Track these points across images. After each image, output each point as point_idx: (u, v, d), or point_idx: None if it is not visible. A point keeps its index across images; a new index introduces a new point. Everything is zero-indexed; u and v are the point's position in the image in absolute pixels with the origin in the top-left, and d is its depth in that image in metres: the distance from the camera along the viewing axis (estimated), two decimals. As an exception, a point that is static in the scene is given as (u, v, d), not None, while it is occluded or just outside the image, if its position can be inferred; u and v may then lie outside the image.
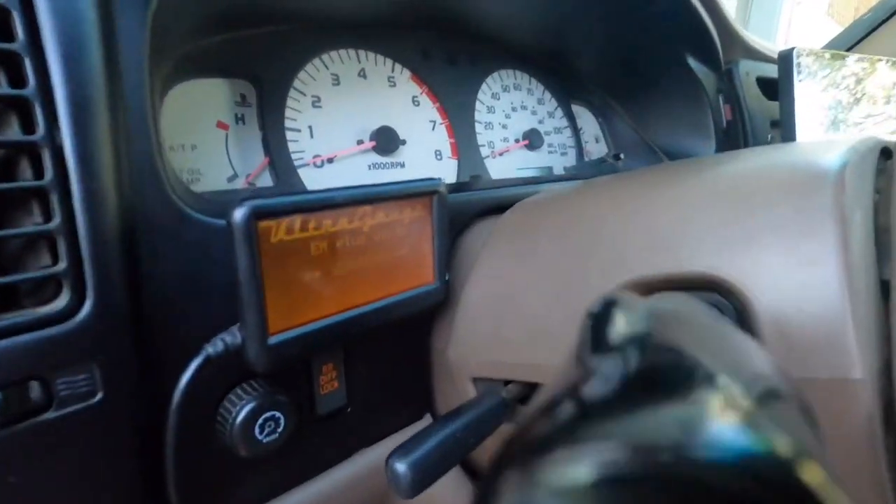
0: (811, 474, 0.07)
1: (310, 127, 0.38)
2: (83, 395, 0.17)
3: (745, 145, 0.61)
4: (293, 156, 0.37)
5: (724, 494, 0.07)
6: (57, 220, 0.17)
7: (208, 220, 0.22)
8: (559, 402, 0.08)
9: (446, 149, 0.47)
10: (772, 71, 0.59)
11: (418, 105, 0.46)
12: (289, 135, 0.37)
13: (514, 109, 0.55)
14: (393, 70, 0.45)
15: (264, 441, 0.23)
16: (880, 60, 0.63)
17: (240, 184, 0.35)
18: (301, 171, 0.37)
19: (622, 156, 0.53)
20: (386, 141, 0.42)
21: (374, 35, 0.44)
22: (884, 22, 0.64)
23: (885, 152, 0.21)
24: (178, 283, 0.21)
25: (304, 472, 0.27)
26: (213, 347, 0.21)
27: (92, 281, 0.17)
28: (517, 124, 0.54)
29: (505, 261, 0.27)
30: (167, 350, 0.20)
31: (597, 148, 0.63)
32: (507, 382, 0.28)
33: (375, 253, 0.25)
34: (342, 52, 0.41)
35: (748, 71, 0.62)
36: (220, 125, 0.35)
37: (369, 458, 0.31)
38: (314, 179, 0.38)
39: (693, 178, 0.22)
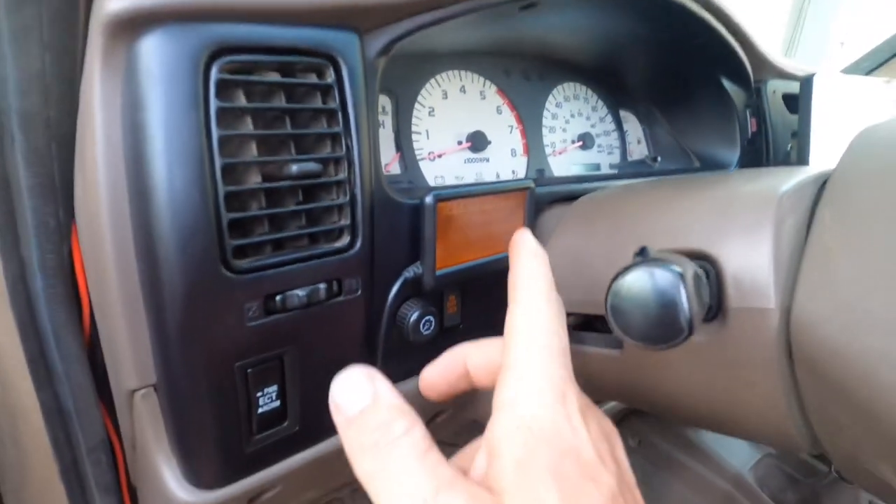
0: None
1: (426, 130, 0.52)
2: (354, 290, 0.32)
3: (767, 153, 0.72)
4: (416, 151, 0.51)
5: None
6: (346, 198, 0.31)
7: (400, 201, 0.36)
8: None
9: (519, 148, 0.61)
10: (798, 88, 0.69)
11: (501, 113, 0.59)
12: (413, 136, 0.51)
13: (572, 116, 0.67)
14: (483, 86, 0.58)
15: (424, 333, 0.38)
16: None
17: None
18: (420, 163, 0.51)
19: (659, 158, 0.65)
20: (478, 141, 0.55)
21: (472, 59, 0.57)
22: (903, 50, 0.73)
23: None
24: (386, 236, 0.35)
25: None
26: (408, 274, 0.35)
27: (360, 232, 0.32)
28: (574, 128, 0.67)
29: (572, 237, 0.41)
30: (384, 274, 0.35)
31: (639, 149, 0.75)
32: (568, 314, 0.42)
33: (491, 225, 0.39)
34: (450, 73, 0.55)
35: (775, 89, 0.72)
36: (370, 129, 0.49)
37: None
38: (429, 169, 0.52)
39: (699, 192, 0.35)
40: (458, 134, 0.55)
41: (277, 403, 0.30)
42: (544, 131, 0.63)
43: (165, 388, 0.28)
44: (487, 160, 0.57)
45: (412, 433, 0.18)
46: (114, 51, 0.24)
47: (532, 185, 0.41)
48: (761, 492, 0.80)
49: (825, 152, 0.68)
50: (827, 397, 0.28)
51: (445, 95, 0.54)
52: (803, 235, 0.30)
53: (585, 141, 0.67)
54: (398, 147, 0.50)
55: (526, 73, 0.62)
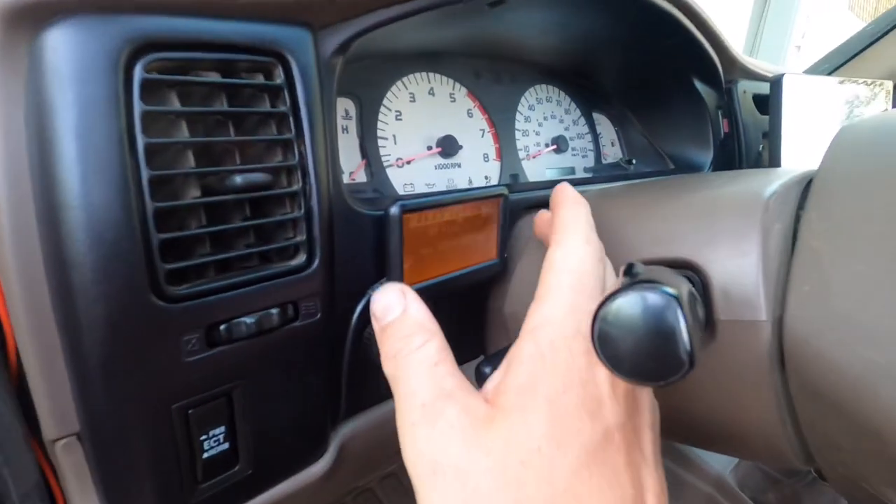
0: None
1: (394, 135, 0.50)
2: (312, 314, 0.29)
3: (739, 154, 0.72)
4: (382, 158, 0.48)
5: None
6: (301, 212, 0.28)
7: (363, 212, 0.33)
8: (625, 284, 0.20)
9: (492, 152, 0.58)
10: (767, 88, 0.69)
11: (472, 116, 0.57)
12: (379, 142, 0.48)
13: (545, 119, 0.65)
14: (453, 88, 0.56)
15: (393, 356, 0.35)
16: (860, 83, 0.73)
17: (345, 179, 0.46)
18: (388, 171, 0.48)
19: (633, 161, 0.64)
20: (448, 146, 0.53)
21: (441, 61, 0.55)
22: (863, 49, 0.74)
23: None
24: (348, 251, 0.32)
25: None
26: (373, 291, 0.32)
27: (318, 248, 0.29)
28: (547, 131, 0.65)
29: (549, 245, 0.39)
30: (347, 292, 0.32)
31: (612, 151, 0.74)
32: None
33: (463, 235, 0.37)
34: (417, 75, 0.52)
35: (745, 89, 0.72)
36: (332, 134, 0.46)
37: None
38: (397, 177, 0.49)
39: (681, 197, 0.33)
40: (427, 139, 0.52)
41: (226, 446, 0.27)
42: (517, 135, 0.61)
43: (90, 437, 0.24)
44: (459, 166, 0.55)
45: (426, 347, 0.21)
46: (13, 47, 0.21)
47: (505, 191, 0.38)
48: (742, 493, 0.80)
49: (795, 152, 0.68)
50: (824, 416, 0.26)
51: (413, 98, 0.52)
52: (791, 241, 0.28)
53: (559, 144, 0.65)
54: (364, 154, 0.47)
55: (497, 76, 0.60)
